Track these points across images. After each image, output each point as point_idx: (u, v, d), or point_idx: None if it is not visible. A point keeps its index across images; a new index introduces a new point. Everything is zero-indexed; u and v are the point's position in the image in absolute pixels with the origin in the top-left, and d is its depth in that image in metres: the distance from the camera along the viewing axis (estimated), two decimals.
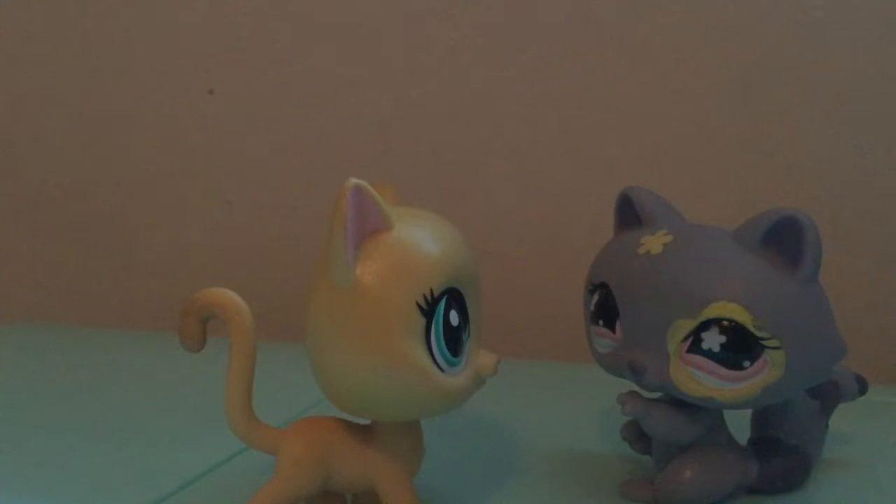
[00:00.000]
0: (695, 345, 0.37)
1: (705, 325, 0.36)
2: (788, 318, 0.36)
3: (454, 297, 0.36)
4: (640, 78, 0.68)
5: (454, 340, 0.36)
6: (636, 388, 0.40)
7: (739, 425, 0.42)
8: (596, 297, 0.41)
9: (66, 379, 0.63)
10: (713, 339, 0.36)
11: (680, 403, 0.39)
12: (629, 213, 0.42)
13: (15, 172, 0.86)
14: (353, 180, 0.34)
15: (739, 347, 0.36)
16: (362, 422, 0.39)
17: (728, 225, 0.39)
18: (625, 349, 0.39)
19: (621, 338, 0.40)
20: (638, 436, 0.43)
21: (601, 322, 0.41)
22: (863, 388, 0.46)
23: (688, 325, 0.37)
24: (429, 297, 0.35)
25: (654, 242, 0.39)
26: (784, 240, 0.36)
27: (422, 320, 0.35)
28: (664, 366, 0.38)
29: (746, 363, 0.36)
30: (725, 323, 0.36)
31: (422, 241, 0.36)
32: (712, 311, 0.36)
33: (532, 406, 0.56)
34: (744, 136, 0.66)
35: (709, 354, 0.37)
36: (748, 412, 0.43)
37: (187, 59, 0.79)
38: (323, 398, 0.37)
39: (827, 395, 0.44)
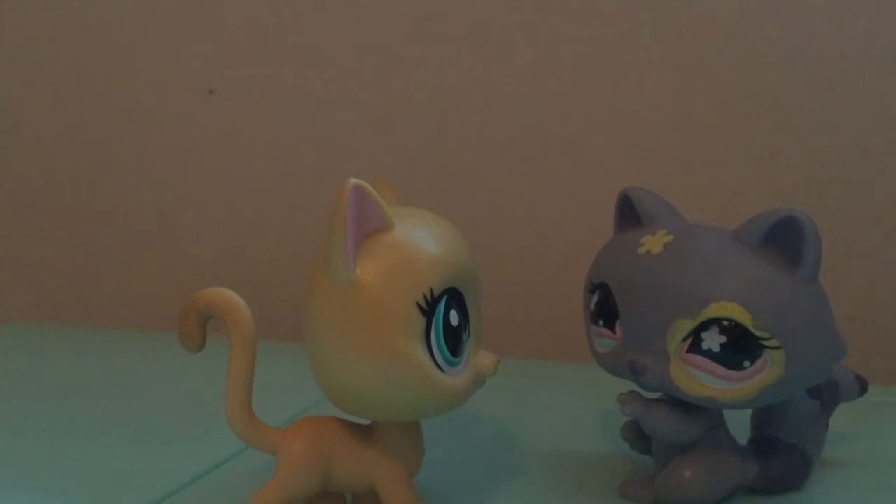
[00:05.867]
0: (695, 345, 0.37)
1: (705, 325, 0.36)
2: (788, 318, 0.36)
3: (454, 297, 0.36)
4: (640, 77, 0.68)
5: (454, 340, 0.36)
6: (636, 388, 0.40)
7: (739, 425, 0.42)
8: (596, 297, 0.41)
9: (66, 379, 0.63)
10: (713, 339, 0.36)
11: (680, 403, 0.39)
12: (629, 213, 0.42)
13: (15, 172, 0.86)
14: (353, 180, 0.34)
15: (739, 347, 0.36)
16: (362, 422, 0.39)
17: (728, 225, 0.39)
18: (625, 349, 0.39)
19: (621, 338, 0.40)
20: (638, 436, 0.43)
21: (601, 322, 0.41)
22: (863, 388, 0.46)
23: (688, 325, 0.37)
24: (429, 297, 0.35)
25: (654, 242, 0.39)
26: (784, 240, 0.36)
27: (422, 320, 0.35)
28: (664, 366, 0.38)
29: (746, 363, 0.36)
30: (725, 323, 0.36)
31: (422, 241, 0.36)
32: (712, 311, 0.36)
33: (532, 406, 0.56)
34: (744, 136, 0.66)
35: (709, 354, 0.37)
36: (748, 412, 0.43)
37: (187, 59, 0.79)
38: (323, 398, 0.37)
39: (827, 395, 0.44)
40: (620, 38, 0.67)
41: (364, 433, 0.38)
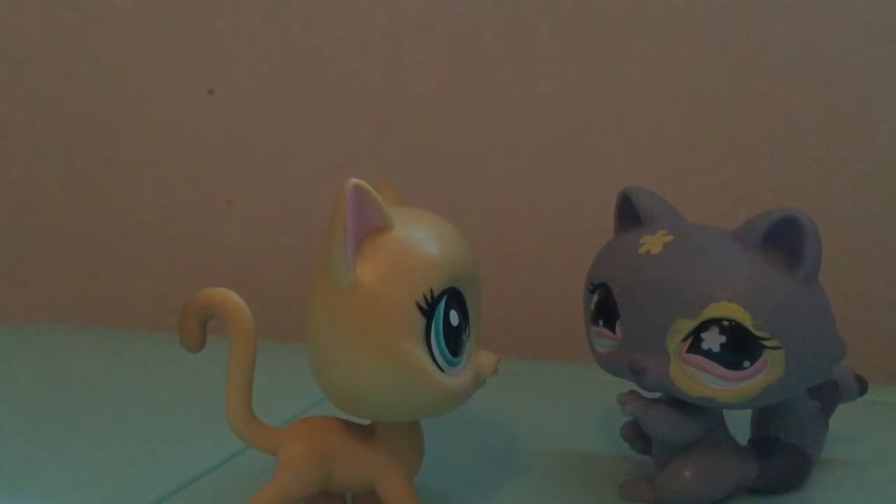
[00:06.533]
0: (695, 345, 0.37)
1: (705, 325, 0.36)
2: (788, 318, 0.36)
3: (454, 297, 0.36)
4: (640, 77, 0.68)
5: (454, 340, 0.36)
6: (636, 388, 0.40)
7: (739, 425, 0.42)
8: (596, 297, 0.41)
9: (66, 379, 0.63)
10: (713, 339, 0.36)
11: (680, 403, 0.39)
12: (629, 213, 0.42)
13: (14, 172, 0.86)
14: (353, 180, 0.34)
15: (739, 347, 0.36)
16: (362, 422, 0.39)
17: (728, 225, 0.39)
18: (625, 349, 0.39)
19: (621, 338, 0.40)
20: (638, 436, 0.43)
21: (601, 322, 0.41)
22: (863, 388, 0.46)
23: (688, 325, 0.37)
24: (429, 298, 0.35)
25: (654, 242, 0.39)
26: (784, 240, 0.36)
27: (422, 320, 0.35)
28: (664, 366, 0.38)
29: (746, 363, 0.36)
30: (725, 323, 0.36)
31: (422, 241, 0.36)
32: (712, 311, 0.36)
33: (532, 406, 0.56)
34: (744, 136, 0.66)
35: (709, 354, 0.37)
36: (748, 412, 0.43)
37: (187, 59, 0.79)
38: (323, 398, 0.37)
39: (827, 395, 0.44)
40: (620, 39, 0.67)
41: (364, 433, 0.38)
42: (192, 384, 0.56)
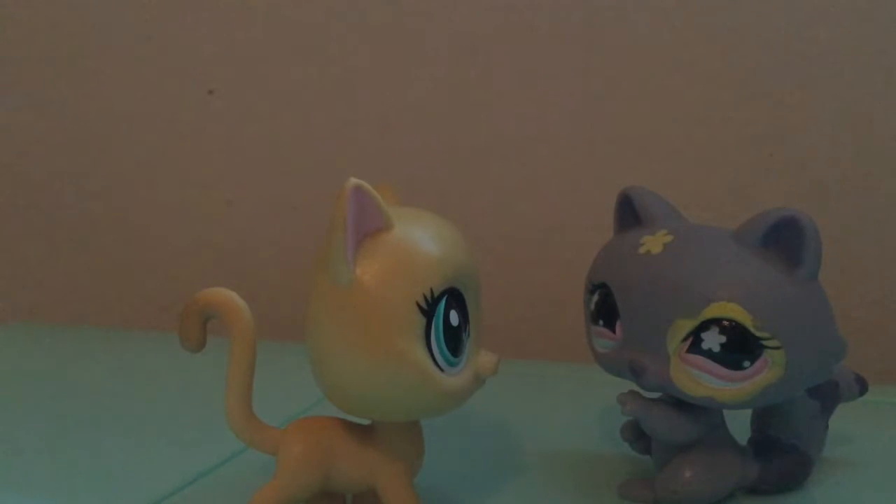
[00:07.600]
0: (695, 345, 0.37)
1: (705, 325, 0.36)
2: (788, 318, 0.36)
3: (454, 297, 0.36)
4: (640, 77, 0.68)
5: (454, 340, 0.36)
6: (636, 388, 0.40)
7: (739, 425, 0.42)
8: (596, 297, 0.41)
9: (66, 379, 0.63)
10: (713, 339, 0.36)
11: (680, 403, 0.39)
12: (629, 213, 0.42)
13: (15, 172, 0.86)
14: (353, 180, 0.34)
15: (739, 347, 0.36)
16: (362, 421, 0.39)
17: (728, 225, 0.39)
18: (625, 349, 0.39)
19: (621, 338, 0.40)
20: (638, 436, 0.43)
21: (601, 322, 0.41)
22: (863, 388, 0.46)
23: (688, 325, 0.37)
24: (429, 297, 0.35)
25: (654, 242, 0.39)
26: (784, 240, 0.36)
27: (422, 320, 0.35)
28: (664, 366, 0.38)
29: (746, 363, 0.36)
30: (725, 323, 0.36)
31: (422, 241, 0.36)
32: (712, 311, 0.36)
33: (532, 406, 0.56)
34: (744, 136, 0.66)
35: (709, 354, 0.37)
36: (748, 412, 0.43)
37: (187, 59, 0.79)
38: (323, 398, 0.37)
39: (827, 395, 0.44)
40: (620, 38, 0.67)
41: (364, 433, 0.38)
42: (192, 384, 0.56)
